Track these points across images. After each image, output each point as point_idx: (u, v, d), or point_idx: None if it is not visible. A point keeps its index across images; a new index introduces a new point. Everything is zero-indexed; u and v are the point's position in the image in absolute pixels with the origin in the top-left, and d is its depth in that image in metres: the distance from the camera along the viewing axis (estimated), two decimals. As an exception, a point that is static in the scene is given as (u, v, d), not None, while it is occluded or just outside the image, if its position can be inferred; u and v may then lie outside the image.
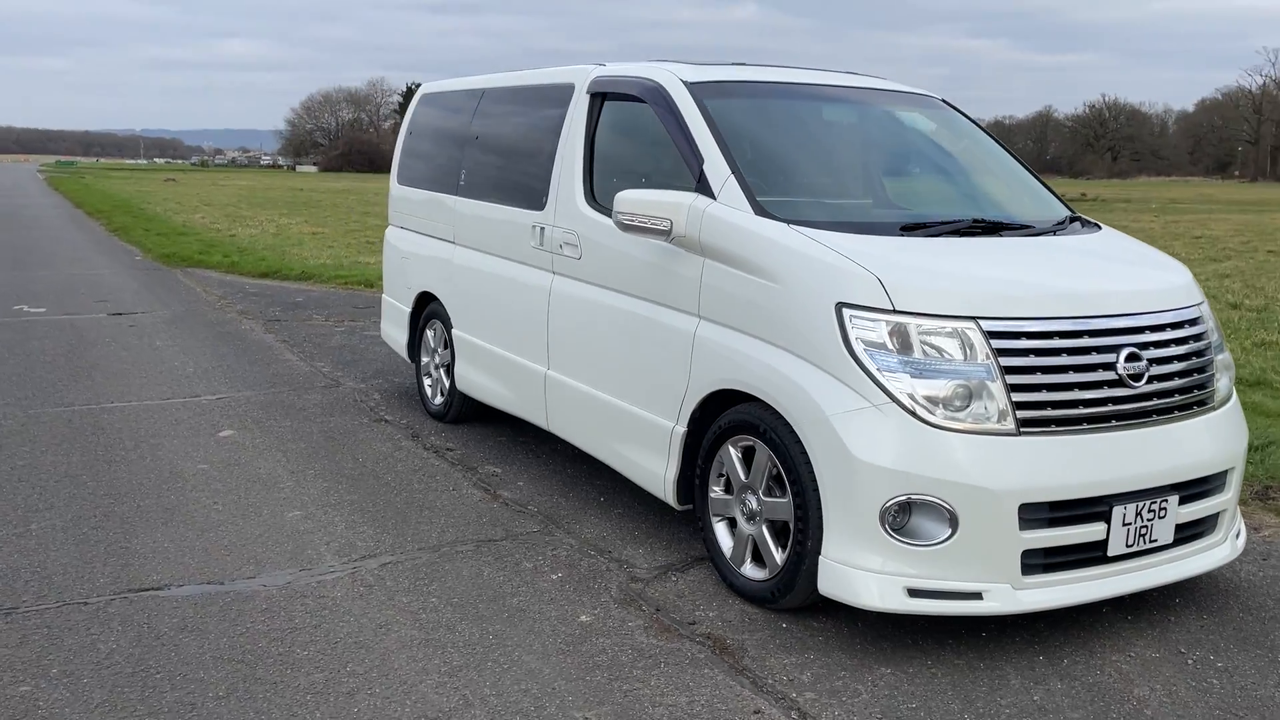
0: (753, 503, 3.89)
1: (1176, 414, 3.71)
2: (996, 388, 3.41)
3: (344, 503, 4.96)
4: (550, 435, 5.96)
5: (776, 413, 3.72)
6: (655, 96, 4.51)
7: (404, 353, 6.90)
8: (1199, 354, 3.85)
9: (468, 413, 6.31)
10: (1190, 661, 3.52)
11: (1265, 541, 4.63)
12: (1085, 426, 3.50)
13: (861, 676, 3.37)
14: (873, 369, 3.45)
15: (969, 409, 3.41)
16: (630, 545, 4.49)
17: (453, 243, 6.12)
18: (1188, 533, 3.74)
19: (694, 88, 4.43)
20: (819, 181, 4.56)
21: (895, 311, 3.47)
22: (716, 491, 4.08)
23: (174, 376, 7.64)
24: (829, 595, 3.53)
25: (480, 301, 5.77)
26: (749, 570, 3.92)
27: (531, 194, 5.24)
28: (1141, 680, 3.38)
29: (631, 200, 4.13)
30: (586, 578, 4.14)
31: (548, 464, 5.64)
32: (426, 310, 6.55)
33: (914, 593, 3.39)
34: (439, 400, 6.47)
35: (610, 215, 4.58)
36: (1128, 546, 3.55)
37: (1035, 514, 3.40)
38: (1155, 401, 3.65)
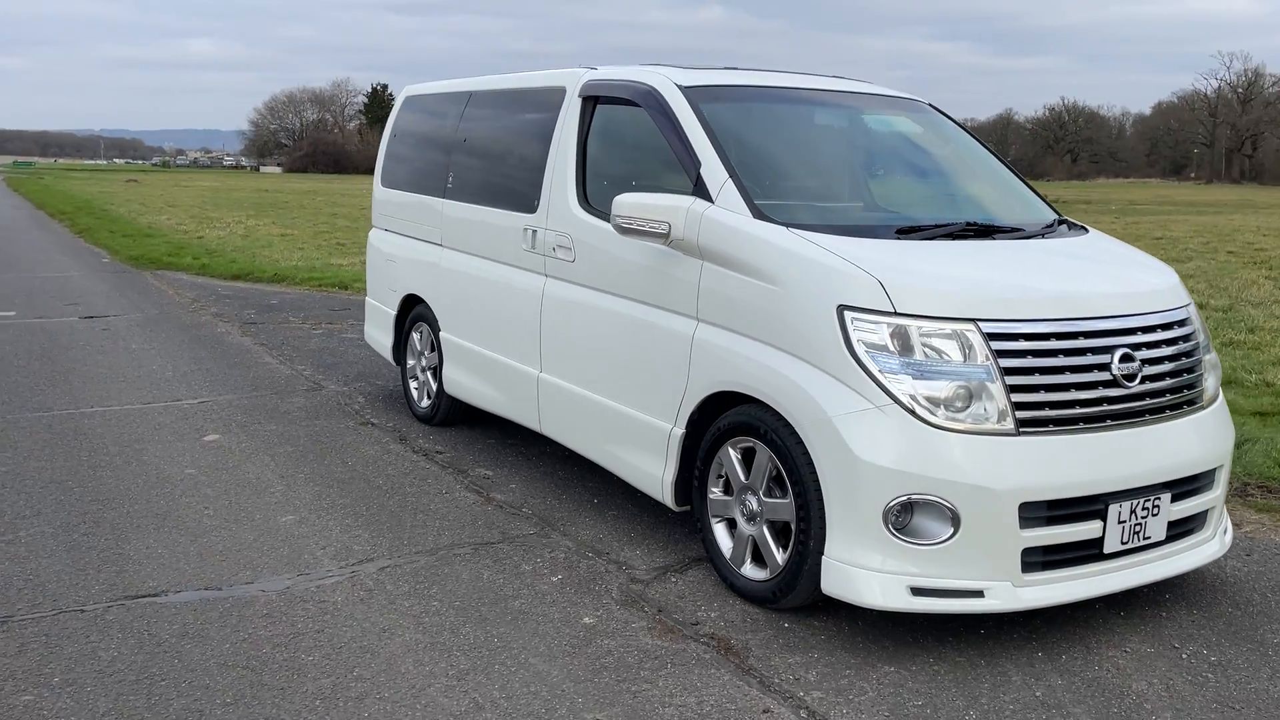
0: (753, 503, 3.92)
1: (1167, 413, 3.79)
2: (996, 388, 3.47)
3: (336, 506, 4.94)
4: (540, 437, 5.96)
5: (778, 414, 3.75)
6: (649, 100, 4.53)
7: (389, 356, 6.88)
8: (1188, 354, 3.93)
9: (455, 416, 6.30)
10: (1184, 656, 3.59)
11: (1248, 537, 4.73)
12: (1081, 426, 3.56)
13: (866, 675, 3.42)
14: (875, 370, 3.49)
15: (969, 410, 3.46)
16: (627, 547, 4.50)
17: (440, 245, 6.11)
18: (1179, 530, 3.82)
19: (688, 91, 4.46)
20: (813, 185, 4.60)
21: (896, 314, 3.52)
22: (715, 493, 4.11)
23: (153, 380, 7.56)
24: (832, 595, 3.57)
25: (469, 304, 5.76)
26: (749, 570, 3.95)
27: (522, 197, 5.25)
28: (1139, 675, 3.45)
29: (630, 204, 4.15)
30: (586, 579, 4.15)
31: (538, 466, 5.64)
32: (412, 313, 6.53)
33: (917, 591, 3.44)
34: (425, 403, 6.45)
35: (604, 218, 4.61)
36: (1123, 544, 3.62)
37: (1034, 513, 3.46)
38: (1148, 401, 3.72)
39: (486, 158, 5.75)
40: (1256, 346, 9.20)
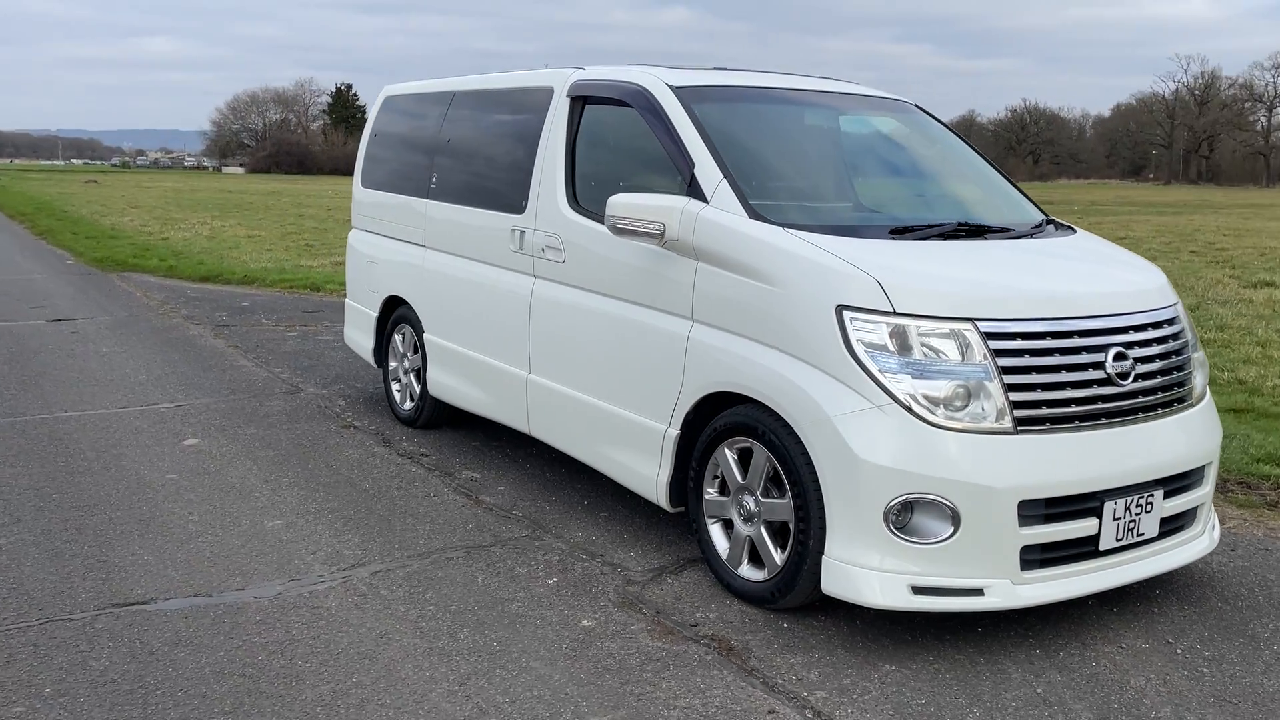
0: (750, 504, 3.92)
1: (1159, 411, 3.83)
2: (994, 387, 3.49)
3: (324, 511, 4.89)
4: (526, 439, 5.94)
5: (775, 414, 3.75)
6: (641, 100, 4.52)
7: (370, 358, 6.81)
8: (1177, 352, 3.97)
9: (439, 418, 6.25)
10: (1179, 651, 3.63)
11: (1231, 533, 4.79)
12: (1077, 424, 3.59)
13: (868, 674, 3.42)
14: (874, 370, 3.50)
15: (968, 409, 3.48)
16: (621, 548, 4.49)
17: (423, 246, 6.06)
18: (1170, 526, 3.86)
19: (680, 92, 4.45)
20: (805, 185, 4.61)
21: (895, 313, 3.53)
22: (711, 493, 4.10)
23: (127, 384, 7.44)
24: (833, 594, 3.57)
25: (455, 305, 5.72)
26: (746, 571, 3.95)
27: (510, 197, 5.21)
28: (1136, 671, 3.48)
29: (624, 204, 4.13)
30: (582, 582, 4.13)
31: (526, 468, 5.61)
32: (395, 315, 6.47)
33: (918, 590, 3.45)
34: (408, 406, 6.39)
35: (595, 218, 4.59)
36: (1117, 541, 3.65)
37: (1033, 511, 3.48)
38: (1140, 399, 3.76)
39: (471, 158, 5.71)
40: (1227, 344, 9.34)
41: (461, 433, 6.25)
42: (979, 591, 3.46)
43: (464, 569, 4.23)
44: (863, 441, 3.47)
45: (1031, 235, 4.43)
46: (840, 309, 3.58)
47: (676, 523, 4.74)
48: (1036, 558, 3.53)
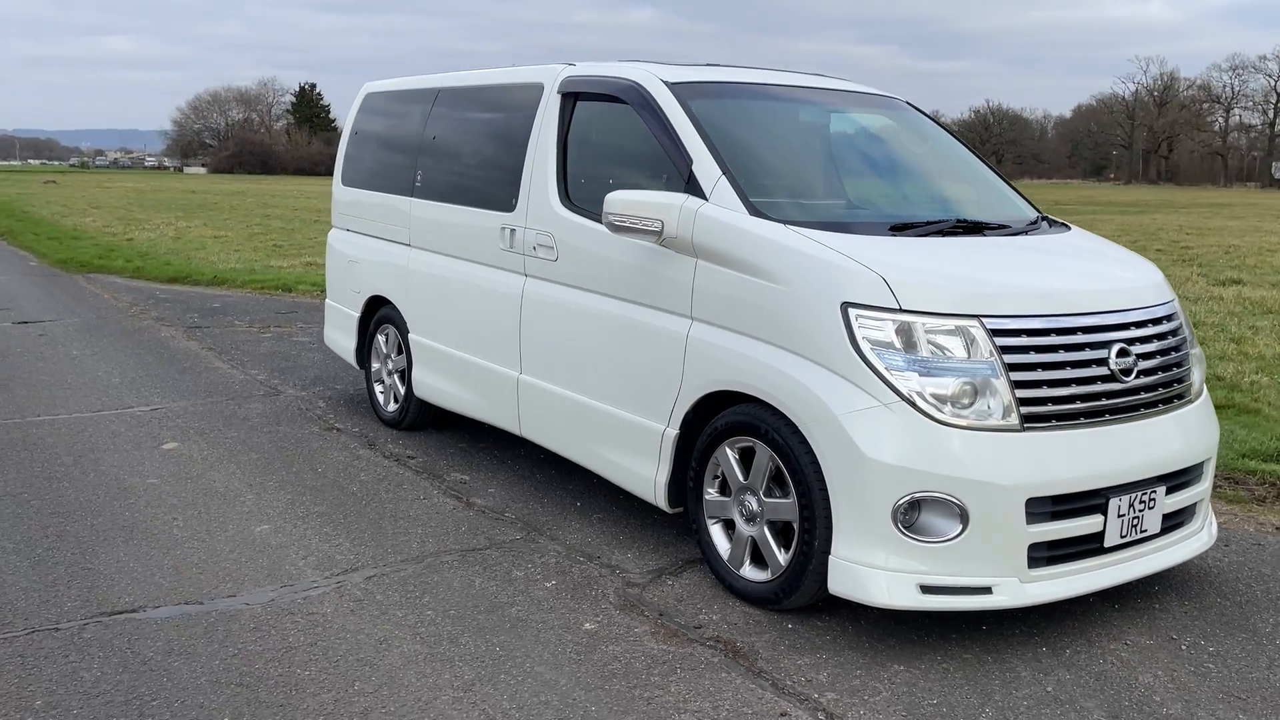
0: (752, 504, 3.87)
1: (1160, 407, 3.83)
2: (1001, 384, 3.47)
3: (312, 515, 4.79)
4: (513, 440, 5.88)
5: (779, 413, 3.71)
6: (635, 96, 4.47)
7: (352, 359, 6.71)
8: (1176, 348, 3.98)
9: (424, 419, 6.16)
10: (1183, 647, 3.63)
11: (1223, 529, 4.81)
12: (1082, 421, 3.58)
13: (877, 674, 3.39)
14: (881, 368, 3.47)
15: (974, 406, 3.46)
16: (618, 550, 4.43)
17: (408, 245, 5.97)
18: (1172, 522, 3.86)
19: (676, 88, 4.40)
20: (802, 182, 4.58)
21: (901, 310, 3.50)
22: (711, 494, 4.06)
23: (100, 387, 7.28)
24: (840, 595, 3.54)
25: (441, 305, 5.63)
26: (749, 572, 3.90)
27: (499, 195, 5.14)
28: (1143, 667, 3.48)
29: (622, 201, 4.08)
30: (581, 584, 4.07)
31: (515, 469, 5.54)
32: (377, 315, 6.37)
33: (926, 589, 3.42)
34: (392, 407, 6.30)
35: (588, 216, 4.54)
36: (1122, 537, 3.65)
37: (1040, 508, 3.46)
38: (1142, 395, 3.76)
39: (458, 156, 5.63)
40: (1202, 341, 9.42)
41: (447, 434, 6.17)
42: (987, 590, 3.44)
43: (460, 573, 4.15)
44: (870, 440, 3.44)
45: (1027, 232, 4.43)
46: (846, 306, 3.54)
47: (671, 523, 4.70)
48: (1043, 555, 3.52)
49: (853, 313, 3.53)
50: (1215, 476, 5.53)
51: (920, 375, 3.45)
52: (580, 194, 4.70)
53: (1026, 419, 3.49)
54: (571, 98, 4.86)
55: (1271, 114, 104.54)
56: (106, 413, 6.57)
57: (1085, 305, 3.72)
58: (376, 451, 5.84)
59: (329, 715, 3.08)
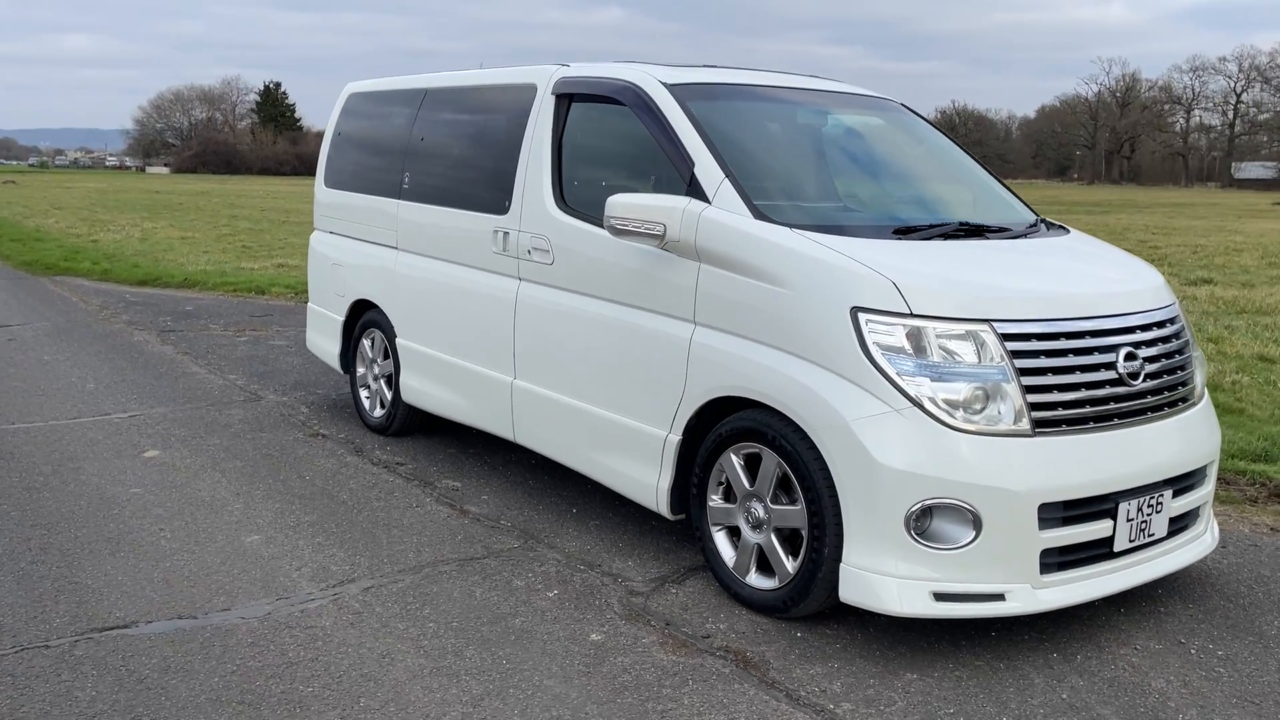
0: (759, 511, 3.83)
1: (1165, 410, 3.82)
2: (1012, 389, 3.44)
3: (303, 524, 4.69)
4: (503, 445, 5.80)
5: (786, 419, 3.66)
6: (633, 98, 4.40)
7: (336, 364, 6.59)
8: (1180, 351, 3.97)
9: (411, 425, 6.07)
10: (1193, 651, 3.62)
11: (1219, 530, 4.81)
12: (1091, 425, 3.57)
13: (891, 684, 3.35)
14: (891, 373, 3.43)
15: (986, 411, 3.43)
16: (618, 558, 4.37)
17: (395, 248, 5.87)
18: (1178, 526, 3.86)
19: (675, 89, 4.35)
20: (803, 184, 4.54)
21: (912, 315, 3.46)
22: (715, 500, 4.01)
23: (75, 394, 7.11)
24: (851, 602, 3.50)
25: (430, 309, 5.54)
26: (755, 580, 3.86)
27: (491, 198, 5.06)
28: (1155, 672, 3.46)
29: (623, 204, 4.02)
30: (583, 594, 4.00)
31: (507, 475, 5.46)
32: (363, 319, 6.27)
33: (939, 596, 3.39)
34: (379, 413, 6.19)
35: (584, 219, 4.47)
36: (1131, 541, 3.64)
37: (1052, 514, 3.44)
38: (1149, 399, 3.75)
39: (447, 157, 5.54)
40: (1179, 341, 9.49)
41: (436, 440, 6.07)
42: (1000, 597, 3.41)
43: (459, 583, 4.07)
44: (882, 446, 3.40)
45: (1028, 235, 4.41)
46: (856, 311, 3.50)
47: (670, 530, 4.64)
48: (1055, 561, 3.49)
49: (863, 317, 3.49)
50: (1206, 477, 5.56)
51: (931, 380, 3.42)
52: (576, 197, 4.63)
53: (1037, 424, 3.46)
54: (566, 99, 4.79)
55: (1231, 115, 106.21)
56: (84, 420, 6.42)
57: (1092, 309, 3.70)
58: (364, 458, 5.74)
59: (336, 734, 3.00)
